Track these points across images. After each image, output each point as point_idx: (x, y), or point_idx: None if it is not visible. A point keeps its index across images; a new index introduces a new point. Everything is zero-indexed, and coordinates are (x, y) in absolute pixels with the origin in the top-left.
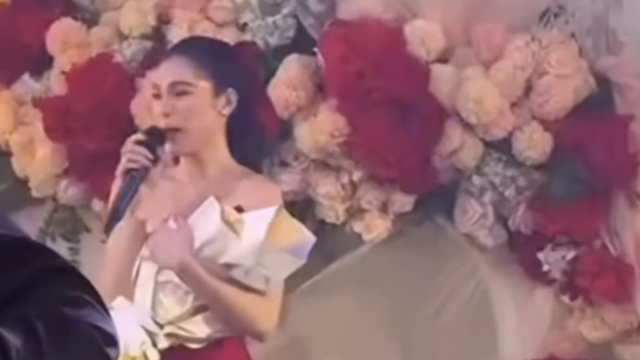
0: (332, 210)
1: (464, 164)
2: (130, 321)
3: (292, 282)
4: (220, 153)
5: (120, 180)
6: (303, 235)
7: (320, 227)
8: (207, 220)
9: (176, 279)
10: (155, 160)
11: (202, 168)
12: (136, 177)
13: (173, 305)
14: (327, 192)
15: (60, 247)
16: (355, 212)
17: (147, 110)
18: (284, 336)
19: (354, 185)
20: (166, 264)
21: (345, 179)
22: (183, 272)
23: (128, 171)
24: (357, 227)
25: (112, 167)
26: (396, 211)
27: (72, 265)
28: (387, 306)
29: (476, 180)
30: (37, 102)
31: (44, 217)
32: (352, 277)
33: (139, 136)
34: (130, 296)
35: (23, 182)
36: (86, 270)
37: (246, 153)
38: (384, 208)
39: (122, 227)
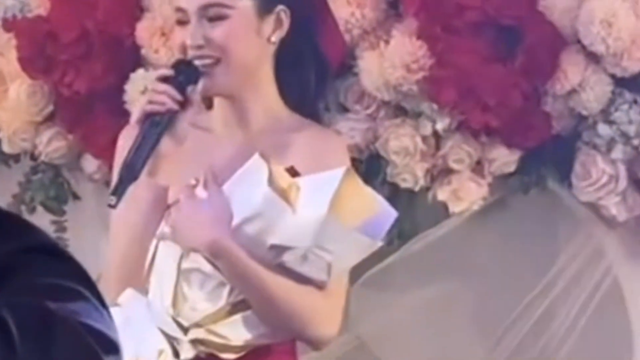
0: (409, 172)
1: (586, 108)
2: (143, 322)
3: (353, 269)
4: (266, 95)
5: (137, 128)
6: (379, 208)
7: (391, 195)
8: (250, 187)
9: (206, 266)
10: (183, 104)
11: (243, 115)
12: (159, 124)
13: (201, 302)
14: (402, 147)
15: (41, 221)
16: (440, 174)
17: (159, 38)
18: (343, 340)
19: (438, 138)
20: (193, 244)
21: (426, 129)
22: (216, 256)
23: (148, 116)
24: (442, 194)
25: (109, 113)
26: (495, 172)
27: (61, 246)
28: (479, 300)
29: (603, 129)
30: (9, 24)
31: (18, 180)
32: (432, 262)
33: (164, 71)
34: (142, 289)
35: None
36: (75, 253)
37: (302, 95)
38: (478, 168)
39: (136, 193)
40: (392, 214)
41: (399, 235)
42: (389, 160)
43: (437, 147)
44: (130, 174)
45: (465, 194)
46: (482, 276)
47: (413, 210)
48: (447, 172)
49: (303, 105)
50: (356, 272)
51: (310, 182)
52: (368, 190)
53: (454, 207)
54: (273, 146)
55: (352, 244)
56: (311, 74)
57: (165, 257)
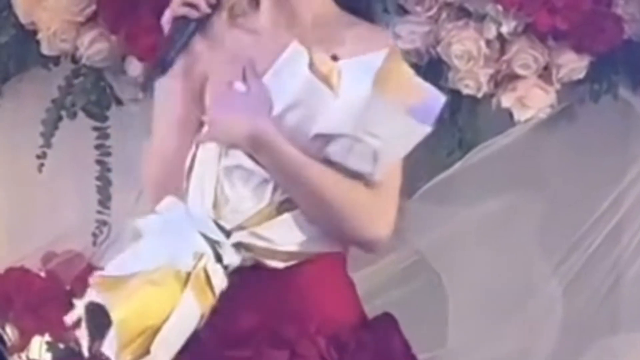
0: (472, 78)
1: None
2: (182, 227)
3: (410, 181)
4: None
5: (169, 27)
6: (427, 92)
7: (453, 102)
8: (290, 74)
9: (247, 162)
10: (216, 6)
11: (292, 15)
12: (189, 25)
13: (244, 202)
14: (465, 50)
15: (83, 127)
16: (505, 79)
17: None
18: (401, 255)
19: (502, 42)
20: (231, 137)
21: (490, 32)
22: (257, 148)
23: (179, 18)
24: (507, 101)
25: (154, 13)
26: (563, 79)
27: None
28: (544, 215)
29: None
30: None
31: (58, 84)
32: (495, 173)
33: None
34: (181, 196)
35: (29, 34)
36: (118, 161)
37: None
38: (546, 74)
39: (172, 92)
40: (440, 98)
41: (460, 144)
42: (450, 65)
43: (502, 52)
44: (157, 69)
45: (531, 101)
46: (548, 189)
47: (476, 118)
48: (512, 77)
49: (357, 4)
50: (415, 184)
51: (352, 65)
52: (413, 73)
53: (519, 115)
54: (317, 41)
55: (400, 127)
56: None
57: (205, 159)
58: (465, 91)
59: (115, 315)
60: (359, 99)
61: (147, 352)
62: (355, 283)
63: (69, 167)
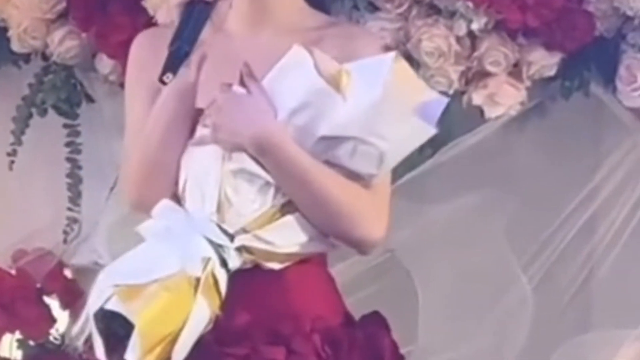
0: (442, 75)
1: (631, 7)
2: (185, 232)
3: None
4: None
5: (179, 10)
6: (430, 93)
7: None
8: (295, 77)
9: (252, 165)
10: None
11: (264, 12)
12: (205, 6)
13: (247, 205)
14: (435, 47)
15: (54, 125)
16: (476, 77)
17: None
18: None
19: (473, 39)
20: (237, 140)
21: (461, 29)
22: (262, 150)
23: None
24: (478, 98)
25: (125, 11)
26: (534, 76)
27: None
28: (515, 212)
29: None
30: None
31: (28, 81)
32: (466, 170)
33: None
34: (169, 196)
35: None
36: (89, 159)
37: None
38: (516, 72)
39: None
40: (442, 99)
41: (431, 142)
42: (421, 62)
43: (473, 49)
44: (182, 49)
45: (501, 99)
46: (518, 187)
47: (446, 116)
48: (483, 75)
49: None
50: None
51: (359, 68)
52: (415, 75)
53: (490, 112)
54: (302, 43)
55: (408, 129)
56: None
57: (205, 162)
58: (436, 88)
59: (137, 323)
60: (369, 101)
61: (168, 359)
62: None
63: (40, 165)
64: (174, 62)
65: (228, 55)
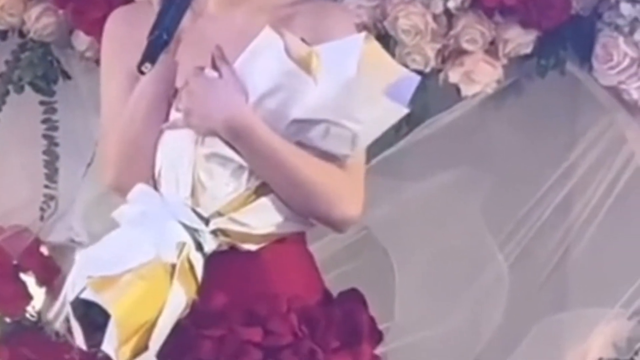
0: (419, 53)
1: None
2: (161, 216)
3: None
4: None
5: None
6: (402, 72)
7: None
8: (266, 60)
9: (224, 149)
10: None
11: None
12: None
13: (221, 189)
14: (412, 25)
15: (30, 102)
16: (452, 55)
17: None
18: (349, 230)
19: (449, 16)
20: (209, 124)
21: (437, 7)
22: (235, 134)
23: None
24: (454, 76)
25: None
26: (510, 54)
27: None
28: (492, 189)
29: (625, 9)
30: None
31: (5, 58)
32: (442, 148)
33: None
34: (148, 178)
35: None
36: (66, 136)
37: None
38: (493, 50)
39: (160, 66)
40: (414, 78)
41: (407, 119)
42: (397, 40)
43: (449, 27)
44: (160, 37)
45: (478, 76)
46: (495, 164)
47: (423, 93)
48: (460, 53)
49: None
50: None
51: (329, 50)
52: (388, 55)
53: (467, 90)
54: (274, 21)
55: (380, 110)
56: None
57: (178, 146)
58: (413, 66)
59: (113, 313)
60: (340, 83)
61: (145, 347)
62: None
63: (16, 142)
64: (153, 51)
65: (205, 37)
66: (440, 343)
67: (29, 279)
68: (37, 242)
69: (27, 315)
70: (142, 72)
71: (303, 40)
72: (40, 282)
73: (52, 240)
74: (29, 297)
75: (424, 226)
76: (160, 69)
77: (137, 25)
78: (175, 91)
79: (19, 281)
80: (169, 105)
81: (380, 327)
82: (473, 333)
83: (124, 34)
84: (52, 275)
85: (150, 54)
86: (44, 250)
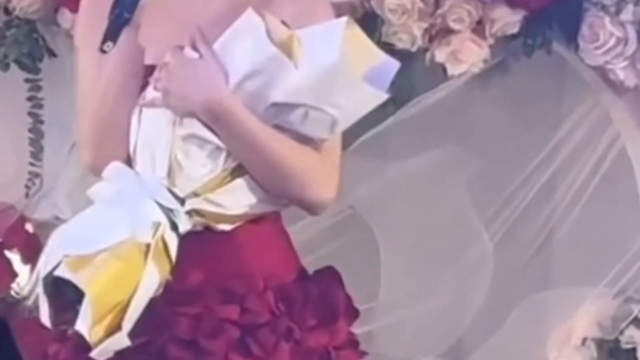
0: (406, 32)
1: None
2: (136, 195)
3: (343, 135)
4: None
5: None
6: (382, 58)
7: None
8: (246, 43)
9: (202, 131)
10: None
11: None
12: None
13: (198, 169)
14: (399, 4)
15: (16, 79)
16: (439, 34)
17: None
18: (334, 209)
19: None
20: (188, 106)
21: None
22: (214, 116)
23: None
24: (440, 55)
25: None
26: (497, 33)
27: None
28: (477, 169)
29: None
30: None
31: None
32: (429, 127)
33: None
34: (124, 157)
35: None
36: (51, 113)
37: None
38: (479, 29)
39: (122, 45)
40: (393, 63)
41: (394, 99)
42: (384, 18)
43: (436, 6)
44: (122, 16)
45: (465, 56)
46: (481, 143)
47: (409, 72)
48: (447, 32)
49: None
50: (348, 139)
51: (310, 34)
52: (368, 40)
53: (453, 70)
54: (255, 2)
55: (360, 95)
56: None
57: (156, 125)
58: (399, 45)
59: (87, 292)
60: (321, 68)
61: (119, 327)
62: None
63: (1, 120)
64: (114, 29)
65: (172, 12)
66: (426, 321)
67: (13, 256)
68: (22, 219)
69: (12, 292)
70: (104, 51)
71: (284, 23)
72: (25, 259)
73: (37, 218)
74: (13, 275)
75: (409, 205)
76: (125, 48)
77: (108, 3)
78: (151, 68)
79: (4, 258)
80: (140, 82)
81: (366, 306)
82: (458, 311)
83: (96, 11)
84: (36, 253)
85: (112, 33)
86: (29, 227)
